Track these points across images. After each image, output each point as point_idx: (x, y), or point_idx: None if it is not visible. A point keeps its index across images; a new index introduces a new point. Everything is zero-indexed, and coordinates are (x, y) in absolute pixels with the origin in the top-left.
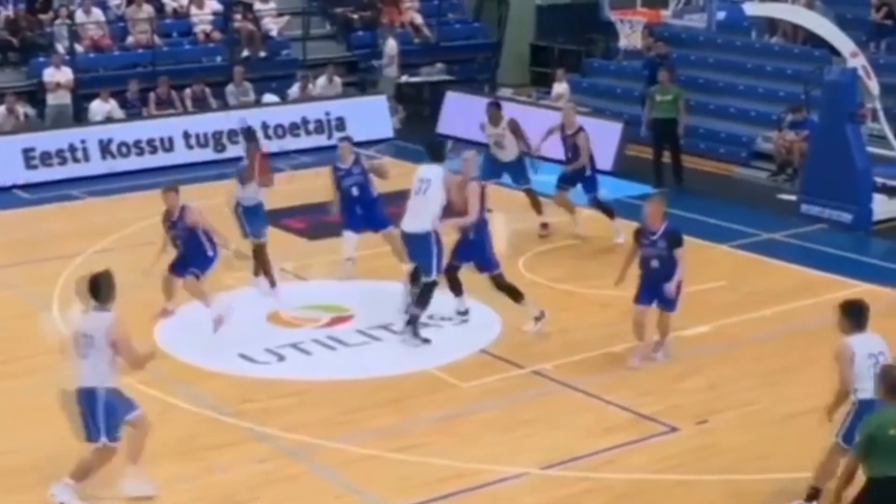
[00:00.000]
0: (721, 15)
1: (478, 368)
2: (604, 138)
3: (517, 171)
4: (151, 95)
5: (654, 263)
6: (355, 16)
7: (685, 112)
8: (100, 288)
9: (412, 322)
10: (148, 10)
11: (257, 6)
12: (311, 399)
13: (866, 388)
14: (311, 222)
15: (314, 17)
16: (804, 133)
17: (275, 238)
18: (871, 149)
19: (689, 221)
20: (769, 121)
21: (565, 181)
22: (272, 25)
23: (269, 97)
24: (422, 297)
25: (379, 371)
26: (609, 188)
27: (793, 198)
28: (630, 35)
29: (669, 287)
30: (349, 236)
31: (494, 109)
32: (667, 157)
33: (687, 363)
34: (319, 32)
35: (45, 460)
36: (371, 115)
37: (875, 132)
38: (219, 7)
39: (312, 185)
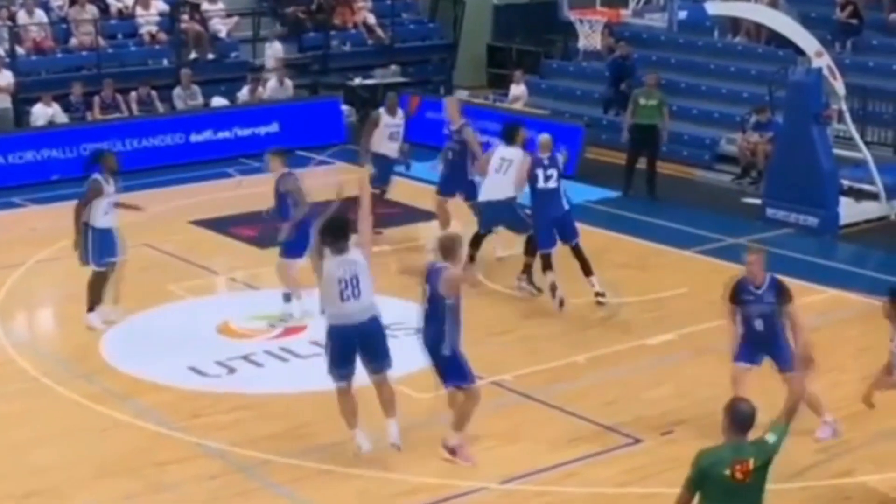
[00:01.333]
0: (682, 14)
1: (433, 380)
2: (564, 142)
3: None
4: (96, 99)
5: (760, 322)
6: (306, 16)
7: (668, 118)
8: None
9: (526, 271)
10: (92, 10)
11: (205, 6)
12: (264, 413)
13: None
14: (262, 230)
15: (264, 18)
16: (769, 135)
17: (224, 246)
18: (837, 151)
19: (650, 226)
20: (733, 122)
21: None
22: (221, 26)
23: (217, 100)
24: (529, 245)
25: (332, 383)
26: (571, 193)
27: (757, 201)
28: (590, 35)
29: (803, 352)
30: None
31: (393, 98)
32: (641, 164)
33: (651, 372)
34: (270, 33)
35: None
36: (323, 118)
37: (841, 133)
38: (165, 7)
39: (261, 191)
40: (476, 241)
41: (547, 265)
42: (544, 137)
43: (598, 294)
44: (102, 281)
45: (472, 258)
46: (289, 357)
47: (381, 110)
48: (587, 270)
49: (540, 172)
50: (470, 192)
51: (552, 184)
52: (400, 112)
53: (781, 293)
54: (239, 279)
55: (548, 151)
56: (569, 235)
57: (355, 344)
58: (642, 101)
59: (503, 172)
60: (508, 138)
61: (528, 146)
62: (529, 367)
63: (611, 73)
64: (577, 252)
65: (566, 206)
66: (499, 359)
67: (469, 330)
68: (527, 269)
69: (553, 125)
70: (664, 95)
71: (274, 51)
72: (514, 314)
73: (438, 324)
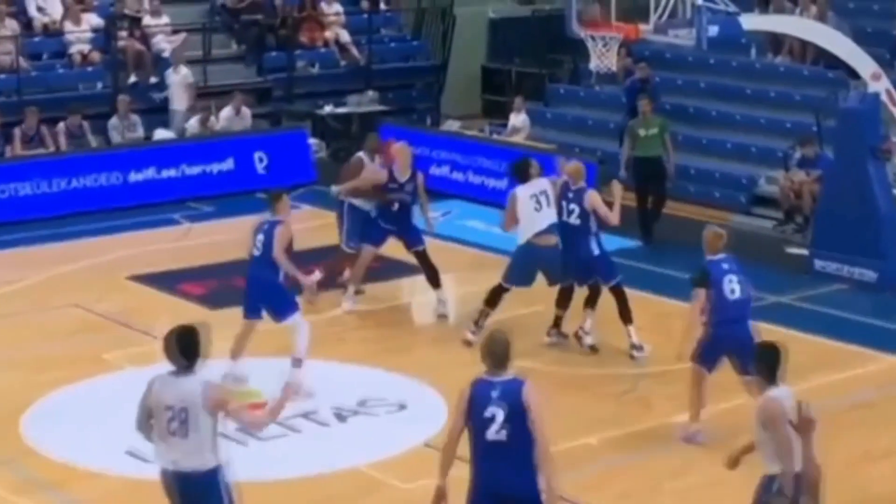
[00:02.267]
0: (713, 30)
1: (421, 466)
2: None
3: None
4: (16, 131)
5: None
6: (267, 33)
7: (671, 148)
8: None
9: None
10: (12, 26)
11: (146, 21)
12: None
13: None
14: (213, 286)
15: (217, 35)
16: (816, 173)
17: (168, 306)
18: None
19: (676, 282)
20: (774, 158)
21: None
22: (165, 45)
23: (161, 133)
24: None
25: (299, 470)
26: None
27: (804, 252)
28: (603, 55)
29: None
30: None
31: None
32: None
33: (679, 458)
34: (224, 53)
35: None
36: (287, 154)
37: None
38: (99, 22)
39: (213, 241)
40: (494, 300)
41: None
42: (575, 165)
43: (633, 347)
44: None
45: (481, 320)
46: (246, 439)
47: (362, 154)
48: (625, 318)
49: (563, 204)
50: (413, 237)
51: (574, 220)
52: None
53: None
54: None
55: (579, 182)
56: (604, 277)
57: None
58: (642, 133)
59: (547, 205)
60: (522, 176)
61: (549, 170)
62: None
63: (628, 99)
64: (618, 295)
65: (595, 251)
66: None
67: None
68: (557, 322)
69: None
70: (665, 121)
71: (181, 77)
72: None
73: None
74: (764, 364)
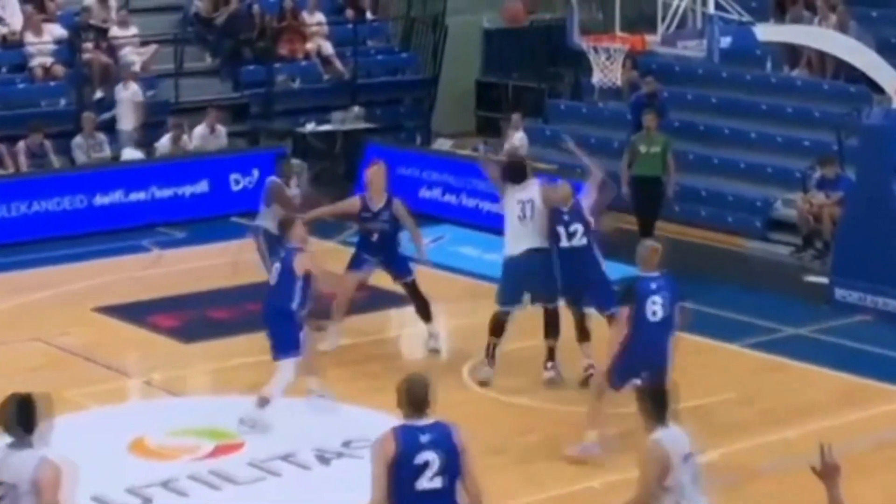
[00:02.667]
0: (726, 41)
1: None
2: None
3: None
4: None
5: None
6: (244, 45)
7: (673, 168)
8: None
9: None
10: None
11: (113, 32)
12: None
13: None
14: (186, 318)
15: (189, 47)
16: (837, 195)
17: (137, 339)
18: None
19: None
20: (791, 179)
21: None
22: (134, 57)
23: (129, 153)
24: (550, 325)
25: None
26: None
27: (824, 280)
28: (607, 68)
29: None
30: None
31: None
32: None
33: None
34: (197, 66)
35: None
36: (267, 175)
37: None
38: (63, 33)
39: (186, 269)
40: (498, 328)
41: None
42: (563, 190)
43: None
44: None
45: (492, 353)
46: (221, 483)
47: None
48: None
49: (561, 230)
50: (399, 268)
51: (578, 241)
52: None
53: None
54: (156, 383)
55: (568, 203)
56: (608, 303)
57: None
58: (643, 149)
59: (529, 218)
60: (517, 175)
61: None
62: (530, 496)
63: (634, 116)
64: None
65: (604, 268)
66: (489, 487)
67: None
68: (551, 355)
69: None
70: (670, 140)
71: (131, 94)
72: (507, 427)
73: None
74: (651, 403)
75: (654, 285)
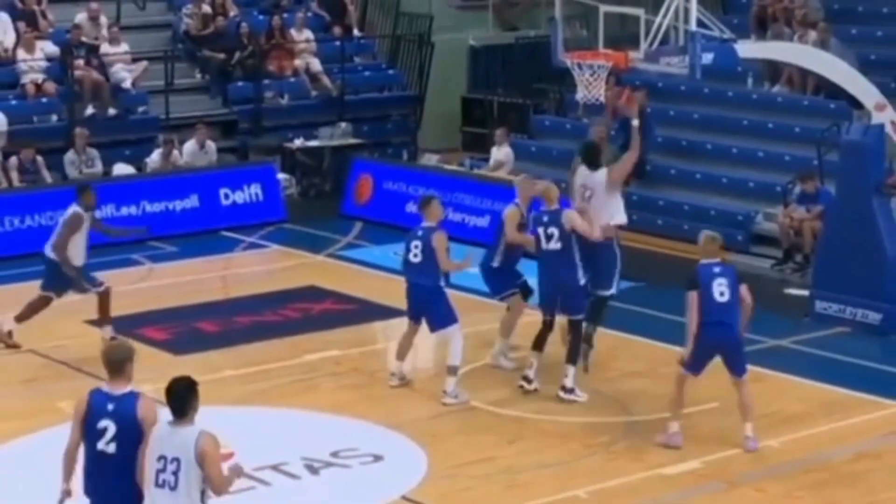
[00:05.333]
0: (708, 58)
1: None
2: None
3: None
4: None
5: None
6: (233, 62)
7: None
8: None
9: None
10: None
11: (104, 49)
12: None
13: None
14: (176, 331)
15: (179, 64)
16: (817, 209)
17: None
18: None
19: (669, 324)
20: (772, 194)
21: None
22: (125, 74)
23: (121, 167)
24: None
25: None
26: None
27: (804, 293)
28: (591, 84)
29: None
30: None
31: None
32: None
33: None
34: (187, 83)
35: None
36: (256, 190)
37: None
38: (54, 50)
39: (177, 282)
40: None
41: (540, 339)
42: (546, 185)
43: (564, 389)
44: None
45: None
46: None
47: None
48: (570, 357)
49: (541, 231)
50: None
51: (554, 244)
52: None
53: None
54: (148, 394)
55: (553, 204)
56: (577, 309)
57: None
58: None
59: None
60: (591, 160)
61: (534, 205)
62: None
63: (622, 130)
64: (575, 332)
65: (581, 279)
66: (476, 496)
67: (436, 459)
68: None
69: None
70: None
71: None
72: (493, 437)
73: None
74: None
75: (716, 269)
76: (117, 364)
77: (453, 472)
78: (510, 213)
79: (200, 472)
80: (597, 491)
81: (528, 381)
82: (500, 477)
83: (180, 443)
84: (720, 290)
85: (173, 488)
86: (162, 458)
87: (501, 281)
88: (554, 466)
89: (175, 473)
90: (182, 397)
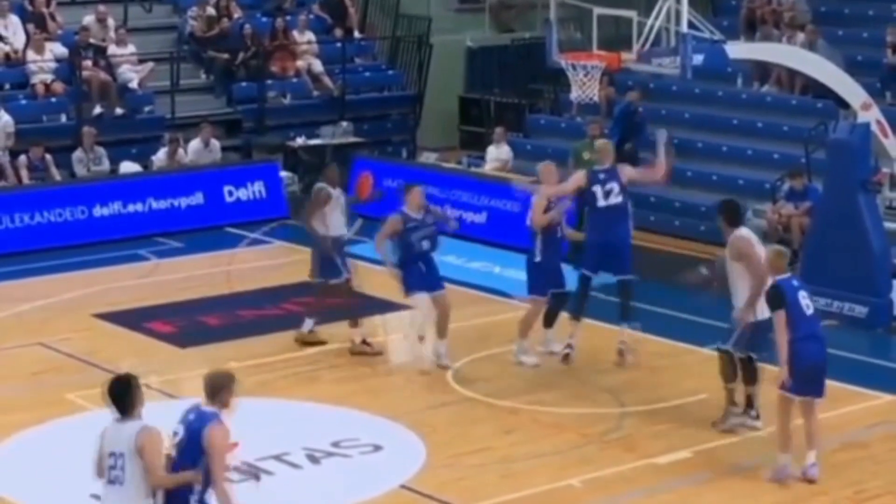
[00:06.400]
0: (698, 59)
1: None
2: None
3: None
4: None
5: None
6: (237, 62)
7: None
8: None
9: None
10: None
11: (112, 50)
12: None
13: None
14: (182, 325)
15: (185, 65)
16: (805, 205)
17: (136, 345)
18: (889, 224)
19: (661, 318)
20: (761, 191)
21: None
22: (131, 74)
23: (127, 166)
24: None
25: None
26: (567, 277)
27: None
28: (585, 84)
29: None
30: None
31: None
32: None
33: (661, 499)
34: (192, 83)
35: None
36: (259, 188)
37: (894, 204)
38: (63, 51)
39: (182, 277)
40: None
41: (550, 319)
42: (604, 144)
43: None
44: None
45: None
46: None
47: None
48: (625, 313)
49: (598, 189)
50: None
51: (614, 199)
52: None
53: None
54: (154, 386)
55: (608, 161)
56: (622, 268)
57: None
58: (586, 156)
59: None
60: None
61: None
62: (511, 494)
63: (618, 126)
64: (626, 291)
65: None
66: (472, 485)
67: (434, 449)
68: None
69: None
70: (613, 147)
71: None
72: (490, 427)
73: None
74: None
75: (795, 282)
76: (209, 390)
77: (451, 462)
78: (535, 202)
79: (142, 463)
80: (591, 480)
81: (571, 347)
82: (496, 466)
83: (124, 437)
84: (805, 302)
85: (122, 483)
86: (112, 454)
87: (542, 283)
88: (549, 456)
89: (123, 469)
90: (120, 396)
